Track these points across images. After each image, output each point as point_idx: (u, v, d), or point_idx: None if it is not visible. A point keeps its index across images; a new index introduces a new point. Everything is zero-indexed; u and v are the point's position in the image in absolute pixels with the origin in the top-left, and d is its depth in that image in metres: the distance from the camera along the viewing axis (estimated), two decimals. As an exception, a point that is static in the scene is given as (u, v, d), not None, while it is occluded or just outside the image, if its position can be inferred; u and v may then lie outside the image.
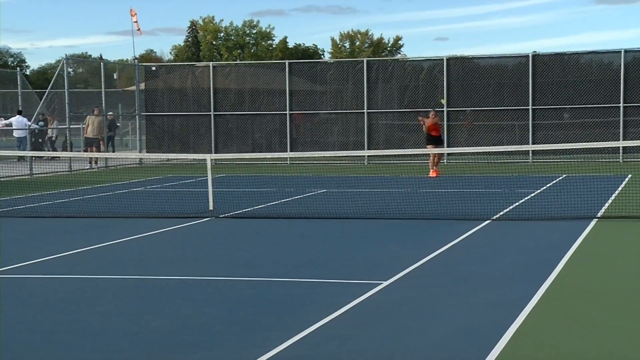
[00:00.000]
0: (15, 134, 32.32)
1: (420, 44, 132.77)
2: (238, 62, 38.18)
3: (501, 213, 15.50)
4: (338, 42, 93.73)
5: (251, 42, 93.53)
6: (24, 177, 26.20)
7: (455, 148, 28.38)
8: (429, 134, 24.56)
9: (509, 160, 28.78)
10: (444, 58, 31.12)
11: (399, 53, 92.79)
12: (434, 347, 7.08)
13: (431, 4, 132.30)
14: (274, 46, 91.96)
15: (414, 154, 28.06)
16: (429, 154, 24.59)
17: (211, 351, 6.98)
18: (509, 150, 27.68)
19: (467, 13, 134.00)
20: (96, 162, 30.86)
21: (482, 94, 30.55)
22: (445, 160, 29.42)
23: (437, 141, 24.90)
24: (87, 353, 6.99)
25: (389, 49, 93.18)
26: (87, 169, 30.03)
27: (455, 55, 32.13)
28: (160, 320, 8.06)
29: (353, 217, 15.44)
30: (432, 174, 24.08)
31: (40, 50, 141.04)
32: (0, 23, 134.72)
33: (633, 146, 20.97)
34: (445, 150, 27.31)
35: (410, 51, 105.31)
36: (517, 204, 17.04)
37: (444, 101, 28.98)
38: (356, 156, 31.05)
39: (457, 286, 9.59)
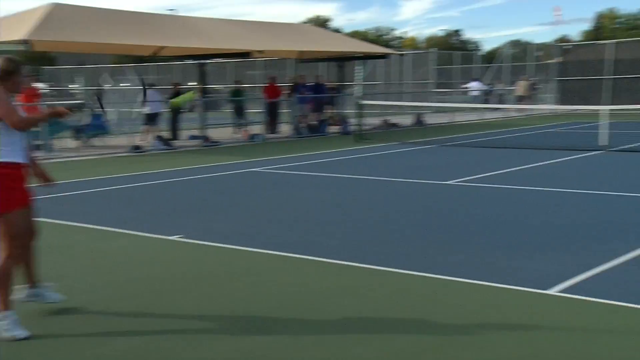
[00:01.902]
0: (472, 93, 32.52)
1: None
2: (629, 39, 34.53)
3: None
4: None
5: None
6: (477, 120, 26.38)
7: None
8: None
9: None
10: None
11: None
12: None
13: None
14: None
15: None
16: None
17: (603, 243, 6.50)
18: None
19: None
20: (523, 112, 30.04)
21: None
22: None
23: None
24: (514, 236, 6.88)
25: None
26: (517, 116, 29.38)
27: None
28: (565, 219, 7.68)
29: None
30: None
31: (491, 38, 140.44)
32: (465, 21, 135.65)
33: None
34: None
35: None
36: None
37: None
38: None
39: None
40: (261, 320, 4.61)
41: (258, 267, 6.01)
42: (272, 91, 21.74)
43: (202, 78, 21.57)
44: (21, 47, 15.34)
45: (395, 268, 5.78)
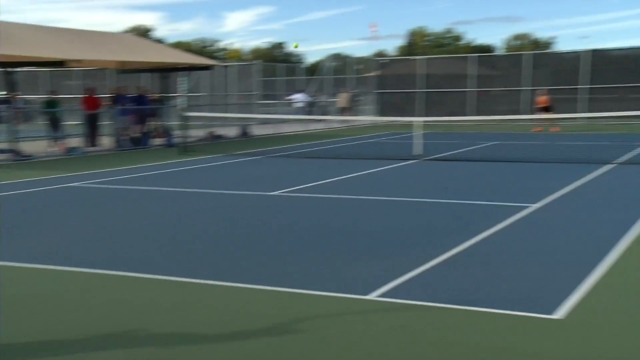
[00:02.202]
0: (297, 105, 33.33)
1: (568, 41, 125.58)
2: (438, 56, 37.39)
3: (624, 158, 14.33)
4: (509, 41, 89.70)
5: (448, 42, 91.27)
6: (301, 132, 27.01)
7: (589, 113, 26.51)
8: (540, 106, 23.41)
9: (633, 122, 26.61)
10: (582, 51, 29.15)
11: (551, 48, 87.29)
12: (570, 247, 6.67)
13: (579, 12, 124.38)
14: (463, 45, 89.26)
15: (560, 117, 26.49)
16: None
17: (417, 247, 6.91)
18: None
19: (603, 18, 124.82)
20: (345, 123, 31.28)
21: (613, 76, 28.36)
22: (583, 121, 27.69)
23: (546, 110, 23.60)
24: (336, 243, 7.10)
25: (544, 44, 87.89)
26: (339, 127, 30.50)
27: (594, 49, 29.83)
28: (384, 225, 8.06)
29: (517, 160, 14.79)
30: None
31: (313, 51, 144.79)
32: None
33: None
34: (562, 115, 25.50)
35: (561, 47, 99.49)
36: (635, 152, 15.68)
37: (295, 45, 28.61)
38: (520, 119, 29.71)
39: (586, 208, 8.97)
40: (70, 344, 4.34)
41: (69, 287, 5.66)
42: (90, 102, 20.68)
43: (11, 87, 20.05)
44: None
45: (214, 280, 5.72)
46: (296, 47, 29.72)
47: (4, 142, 17.60)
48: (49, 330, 4.66)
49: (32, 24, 21.35)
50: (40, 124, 20.99)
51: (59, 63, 19.39)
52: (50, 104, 19.94)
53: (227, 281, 5.73)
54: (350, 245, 7.04)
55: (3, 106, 18.49)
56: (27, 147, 17.81)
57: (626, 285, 5.49)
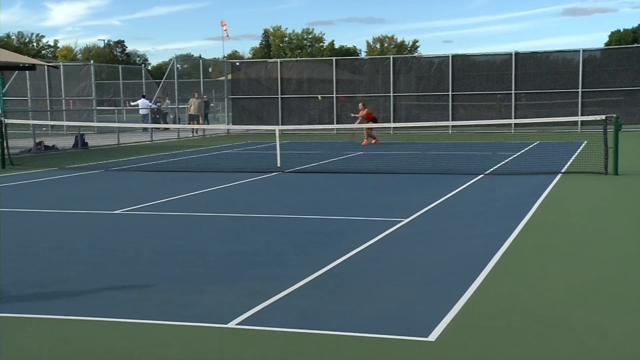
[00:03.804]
0: (141, 111, 32.56)
1: (432, 45, 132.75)
2: (298, 59, 38.00)
3: (491, 169, 15.29)
4: (371, 44, 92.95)
5: (307, 44, 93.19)
6: (146, 142, 26.44)
7: (455, 122, 28.08)
8: (366, 119, 23.78)
9: (496, 131, 28.49)
10: (449, 55, 30.74)
11: (416, 52, 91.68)
12: (439, 265, 7.01)
13: (440, 16, 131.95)
14: (324, 47, 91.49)
15: (426, 126, 27.87)
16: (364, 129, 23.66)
17: (280, 269, 6.97)
18: (498, 123, 27.43)
19: (466, 22, 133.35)
20: (196, 132, 31.06)
21: (477, 82, 30.16)
22: (450, 130, 29.26)
23: (372, 121, 24.03)
24: (191, 267, 7.02)
25: (409, 49, 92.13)
26: (190, 137, 30.19)
27: (457, 54, 31.58)
28: (243, 246, 8.06)
29: (382, 172, 15.33)
30: (364, 143, 23.37)
31: (158, 52, 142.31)
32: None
33: (587, 120, 20.49)
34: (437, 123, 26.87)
35: (425, 50, 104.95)
36: (502, 162, 16.79)
37: (320, 97, 29.80)
38: (384, 127, 30.83)
39: (457, 222, 9.47)
40: None
41: None
42: None
43: None
44: None
45: (52, 315, 5.46)
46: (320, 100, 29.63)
47: None
48: None
49: None
50: None
51: None
52: None
53: (60, 314, 5.47)
54: (205, 269, 6.97)
55: None
56: None
57: (499, 303, 5.84)
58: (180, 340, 4.98)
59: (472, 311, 5.54)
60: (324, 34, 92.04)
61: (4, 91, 18.31)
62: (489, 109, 29.81)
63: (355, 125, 23.83)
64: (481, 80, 30.20)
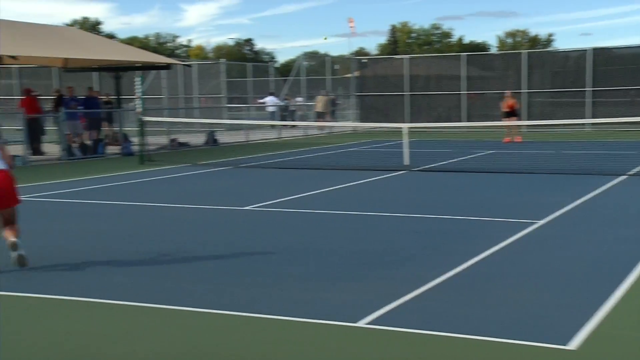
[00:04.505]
0: (269, 109, 33.30)
1: (568, 38, 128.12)
2: (426, 54, 37.70)
3: (636, 169, 14.54)
4: (503, 38, 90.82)
5: (436, 40, 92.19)
6: (274, 139, 27.02)
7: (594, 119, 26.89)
8: (506, 110, 23.54)
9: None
10: (589, 49, 29.56)
11: (551, 46, 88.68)
12: (579, 269, 6.73)
13: (578, 7, 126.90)
14: (452, 43, 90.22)
15: (563, 124, 26.90)
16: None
17: (409, 269, 6.93)
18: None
19: (607, 13, 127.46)
20: (323, 129, 31.43)
21: (620, 77, 28.80)
22: (587, 128, 28.14)
23: (511, 115, 23.76)
24: (319, 265, 7.09)
25: (543, 43, 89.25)
26: (317, 134, 30.58)
27: (598, 47, 30.26)
28: (372, 244, 8.07)
29: (515, 171, 14.92)
30: (506, 140, 23.09)
31: (285, 49, 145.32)
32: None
33: None
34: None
35: (560, 44, 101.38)
36: (646, 162, 15.92)
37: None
38: (517, 125, 30.03)
39: (597, 225, 9.06)
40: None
41: (14, 313, 5.58)
42: (29, 105, 20.36)
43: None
44: None
45: (187, 306, 5.67)
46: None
47: None
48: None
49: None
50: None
51: (-7, 59, 19.12)
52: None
53: (199, 307, 5.68)
54: (333, 267, 7.02)
55: None
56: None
57: (644, 311, 5.54)
58: (308, 337, 5.04)
59: (615, 320, 5.28)
60: (453, 30, 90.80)
61: (143, 90, 19.23)
62: (633, 105, 28.35)
63: (505, 123, 23.53)
64: (625, 75, 28.78)
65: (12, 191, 7.15)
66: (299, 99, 34.93)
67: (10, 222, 7.11)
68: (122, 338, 5.09)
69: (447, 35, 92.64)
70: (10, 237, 6.99)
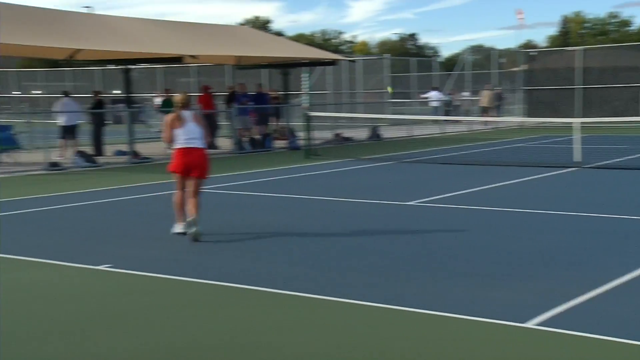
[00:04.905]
0: (432, 104, 33.09)
1: None
2: (603, 45, 35.87)
3: None
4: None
5: (612, 29, 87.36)
6: (437, 134, 26.84)
7: None
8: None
9: None
10: None
11: None
12: None
13: None
14: (632, 31, 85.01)
15: None
16: None
17: (582, 270, 6.70)
18: None
19: None
20: (488, 124, 30.80)
21: None
22: None
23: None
24: (486, 263, 7.01)
25: None
26: (482, 129, 30.02)
27: None
28: (541, 244, 7.85)
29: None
30: None
31: (449, 43, 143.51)
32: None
33: None
34: None
35: None
36: None
37: (390, 89, 26.78)
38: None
39: None
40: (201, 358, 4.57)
41: (198, 299, 5.96)
42: (206, 101, 21.61)
43: (128, 86, 21.30)
44: None
45: (356, 300, 5.82)
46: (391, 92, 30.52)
47: (123, 143, 18.73)
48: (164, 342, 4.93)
49: (145, 18, 22.57)
50: (156, 124, 22.17)
51: (176, 59, 20.38)
52: (167, 103, 21.00)
53: (371, 301, 5.81)
54: (499, 266, 6.92)
55: (120, 106, 19.71)
56: (142, 148, 18.85)
57: None
58: (474, 336, 5.03)
59: None
60: (633, 17, 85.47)
61: (310, 86, 19.80)
62: None
63: None
64: None
65: (206, 167, 8.58)
66: (465, 93, 34.41)
67: (196, 193, 8.28)
68: (296, 329, 5.31)
69: (625, 23, 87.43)
70: (192, 212, 8.09)
